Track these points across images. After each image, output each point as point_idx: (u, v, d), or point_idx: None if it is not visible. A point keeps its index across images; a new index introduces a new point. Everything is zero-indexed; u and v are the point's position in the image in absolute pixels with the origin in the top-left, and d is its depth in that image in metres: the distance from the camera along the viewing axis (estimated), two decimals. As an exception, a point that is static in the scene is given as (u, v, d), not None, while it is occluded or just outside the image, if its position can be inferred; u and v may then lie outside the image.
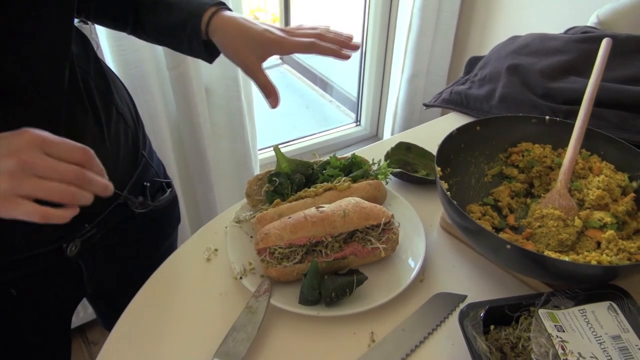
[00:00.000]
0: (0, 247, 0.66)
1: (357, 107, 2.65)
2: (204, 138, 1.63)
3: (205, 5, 0.73)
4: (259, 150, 2.07)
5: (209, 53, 0.77)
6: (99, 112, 0.69)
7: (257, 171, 1.98)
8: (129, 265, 0.84)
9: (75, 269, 0.75)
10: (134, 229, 0.83)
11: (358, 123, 2.68)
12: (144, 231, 0.86)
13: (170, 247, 0.95)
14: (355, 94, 2.63)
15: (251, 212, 0.77)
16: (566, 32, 1.19)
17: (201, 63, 1.55)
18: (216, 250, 0.74)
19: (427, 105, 1.07)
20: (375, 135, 2.72)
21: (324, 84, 3.15)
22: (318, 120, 3.00)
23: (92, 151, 0.52)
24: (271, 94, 0.73)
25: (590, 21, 1.32)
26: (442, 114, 1.14)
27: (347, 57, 0.76)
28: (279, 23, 3.40)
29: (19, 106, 0.59)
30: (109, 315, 1.00)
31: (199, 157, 1.67)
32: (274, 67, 3.50)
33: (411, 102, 2.30)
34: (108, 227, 0.76)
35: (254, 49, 0.72)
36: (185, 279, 0.71)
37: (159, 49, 1.42)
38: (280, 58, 3.54)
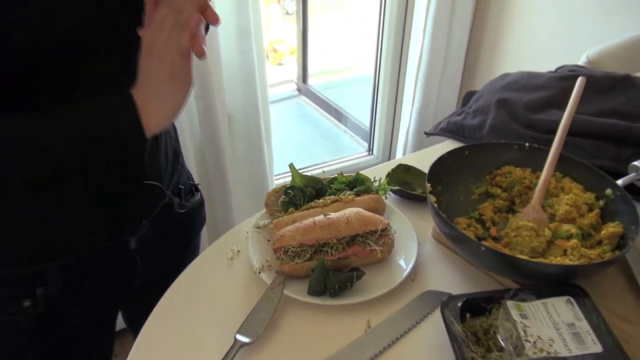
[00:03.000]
0: (81, 241, 0.81)
1: (369, 137, 2.81)
2: (226, 162, 1.79)
3: None
4: (275, 176, 2.23)
5: None
6: None
7: (273, 194, 2.13)
8: (165, 262, 0.98)
9: (130, 263, 0.90)
10: (171, 229, 0.98)
11: (370, 152, 2.83)
12: (178, 230, 1.01)
13: (196, 247, 1.09)
14: (368, 124, 2.79)
15: (269, 220, 0.91)
16: (557, 69, 1.34)
17: (226, 92, 1.73)
18: (239, 251, 0.88)
19: (427, 134, 1.22)
20: (387, 164, 2.85)
21: (338, 115, 3.32)
22: (332, 149, 3.16)
23: None
24: None
25: (581, 60, 1.46)
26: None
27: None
28: (296, 55, 3.62)
29: None
30: (138, 315, 1.14)
31: (220, 179, 1.83)
32: (291, 99, 3.69)
33: (421, 132, 2.45)
34: (157, 225, 0.91)
35: None
36: (212, 275, 0.85)
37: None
38: (298, 89, 3.74)
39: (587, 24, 1.91)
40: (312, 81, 3.64)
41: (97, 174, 0.71)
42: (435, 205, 0.80)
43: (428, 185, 0.84)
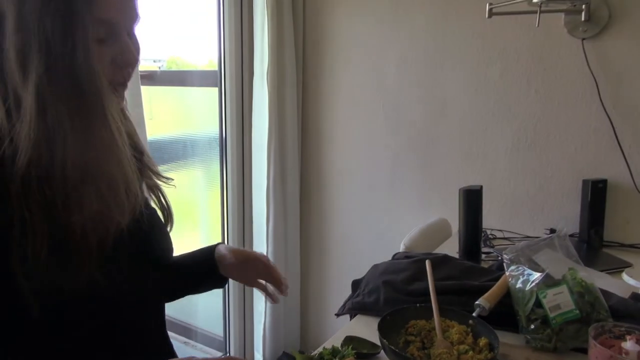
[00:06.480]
0: None
1: (225, 344, 3.14)
2: None
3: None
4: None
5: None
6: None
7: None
8: None
9: None
10: None
11: (227, 353, 3.14)
12: None
13: None
14: (222, 332, 3.14)
15: (290, 394, 1.30)
16: (394, 255, 2.09)
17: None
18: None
19: (338, 315, 1.77)
20: (244, 363, 3.19)
21: (187, 331, 3.51)
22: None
23: None
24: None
25: (401, 247, 2.28)
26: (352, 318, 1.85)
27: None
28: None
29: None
30: None
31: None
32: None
33: (276, 323, 2.95)
34: None
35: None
36: None
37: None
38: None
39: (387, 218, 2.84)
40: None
41: None
42: (392, 347, 1.35)
43: (385, 341, 1.39)
